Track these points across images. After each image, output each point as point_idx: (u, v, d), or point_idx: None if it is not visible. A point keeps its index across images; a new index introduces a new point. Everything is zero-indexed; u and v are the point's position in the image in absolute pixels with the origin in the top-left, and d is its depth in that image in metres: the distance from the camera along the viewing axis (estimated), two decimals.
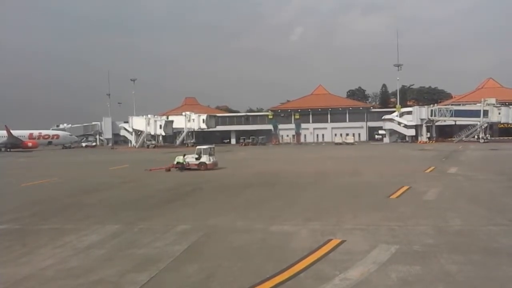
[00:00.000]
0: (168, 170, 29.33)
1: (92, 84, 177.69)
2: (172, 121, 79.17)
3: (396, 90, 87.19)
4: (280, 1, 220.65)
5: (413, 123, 73.71)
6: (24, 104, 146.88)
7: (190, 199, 17.60)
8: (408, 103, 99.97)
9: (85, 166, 38.94)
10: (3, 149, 73.30)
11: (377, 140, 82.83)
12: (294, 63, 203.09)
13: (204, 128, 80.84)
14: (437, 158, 36.61)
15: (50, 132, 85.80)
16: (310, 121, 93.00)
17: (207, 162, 29.54)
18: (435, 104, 78.04)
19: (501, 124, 70.79)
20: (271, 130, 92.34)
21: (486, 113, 66.59)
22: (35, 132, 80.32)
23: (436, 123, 74.70)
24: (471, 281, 7.36)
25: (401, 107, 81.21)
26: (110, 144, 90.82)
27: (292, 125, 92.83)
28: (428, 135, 73.25)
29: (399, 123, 76.54)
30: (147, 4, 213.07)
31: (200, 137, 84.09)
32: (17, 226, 12.95)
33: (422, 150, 50.24)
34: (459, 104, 77.27)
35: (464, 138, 69.43)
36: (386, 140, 79.61)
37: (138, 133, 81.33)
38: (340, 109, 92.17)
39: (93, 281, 7.86)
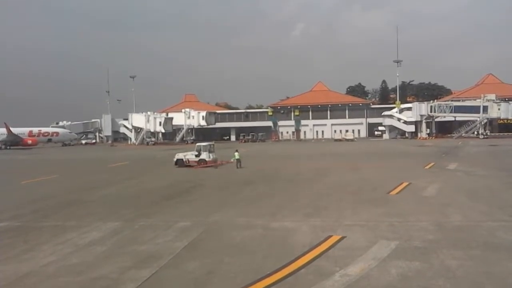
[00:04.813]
0: (216, 167, 28.85)
1: (91, 81, 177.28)
2: (171, 118, 79.10)
3: (396, 86, 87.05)
4: None
5: (413, 119, 73.80)
6: (23, 101, 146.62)
7: (191, 196, 17.61)
8: (408, 99, 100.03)
9: (85, 163, 38.93)
10: (2, 146, 73.26)
11: (377, 136, 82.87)
12: (293, 60, 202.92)
13: (204, 125, 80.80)
14: (437, 154, 36.63)
15: (50, 129, 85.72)
16: (310, 117, 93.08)
17: (206, 159, 29.55)
18: (435, 100, 78.08)
19: (500, 119, 70.78)
20: (270, 126, 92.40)
21: (485, 109, 66.57)
22: (35, 130, 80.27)
23: (436, 119, 74.74)
24: (471, 276, 7.38)
25: (401, 103, 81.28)
26: (109, 142, 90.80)
27: (292, 122, 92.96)
28: (428, 131, 73.28)
29: (399, 119, 76.58)
30: (147, 1, 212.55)
31: (200, 134, 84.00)
32: (18, 223, 12.96)
33: (422, 146, 50.25)
34: (459, 100, 77.31)
35: (463, 134, 69.49)
36: (386, 136, 79.62)
37: (137, 130, 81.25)
38: (339, 105, 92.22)
39: (94, 277, 7.89)
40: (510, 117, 67.60)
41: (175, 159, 30.22)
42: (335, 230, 10.78)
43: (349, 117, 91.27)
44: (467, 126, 70.19)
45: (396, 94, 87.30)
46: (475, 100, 70.88)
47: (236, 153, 28.96)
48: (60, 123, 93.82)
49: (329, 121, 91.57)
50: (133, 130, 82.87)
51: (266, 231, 10.99)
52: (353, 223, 11.53)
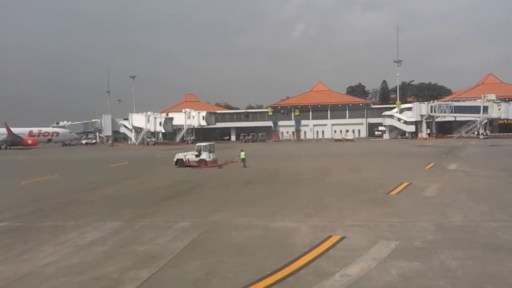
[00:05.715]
0: (221, 167, 28.90)
1: (92, 81, 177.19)
2: (172, 118, 79.06)
3: (396, 86, 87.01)
4: None
5: (413, 119, 73.79)
6: (24, 101, 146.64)
7: (191, 196, 17.61)
8: (408, 99, 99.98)
9: (85, 164, 38.91)
10: (3, 146, 73.25)
11: (377, 136, 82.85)
12: (293, 60, 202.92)
13: (204, 125, 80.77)
14: (437, 154, 36.61)
15: (50, 129, 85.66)
16: (310, 117, 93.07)
17: (207, 159, 29.53)
18: (435, 100, 77.99)
19: (501, 120, 70.74)
20: (271, 126, 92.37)
21: (486, 109, 66.54)
22: (35, 130, 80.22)
23: (436, 119, 74.70)
24: (472, 276, 7.38)
25: (401, 103, 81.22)
26: (110, 142, 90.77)
27: (292, 122, 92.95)
28: (428, 131, 73.23)
29: (399, 120, 76.58)
30: (147, 1, 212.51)
31: (200, 134, 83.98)
32: (18, 223, 12.96)
33: (422, 146, 50.22)
34: (459, 100, 77.25)
35: (464, 134, 69.45)
36: (386, 136, 79.60)
37: (138, 130, 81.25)
38: (340, 105, 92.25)
39: (95, 277, 7.89)
40: (510, 117, 67.56)
41: (175, 159, 30.21)
42: (335, 230, 10.77)
43: (349, 117, 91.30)
44: (467, 126, 70.14)
45: (397, 94, 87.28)
46: (475, 100, 70.85)
47: (242, 153, 28.99)
48: (61, 123, 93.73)
49: (329, 121, 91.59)
50: (133, 130, 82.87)
51: (266, 231, 10.98)
52: (353, 223, 11.53)
